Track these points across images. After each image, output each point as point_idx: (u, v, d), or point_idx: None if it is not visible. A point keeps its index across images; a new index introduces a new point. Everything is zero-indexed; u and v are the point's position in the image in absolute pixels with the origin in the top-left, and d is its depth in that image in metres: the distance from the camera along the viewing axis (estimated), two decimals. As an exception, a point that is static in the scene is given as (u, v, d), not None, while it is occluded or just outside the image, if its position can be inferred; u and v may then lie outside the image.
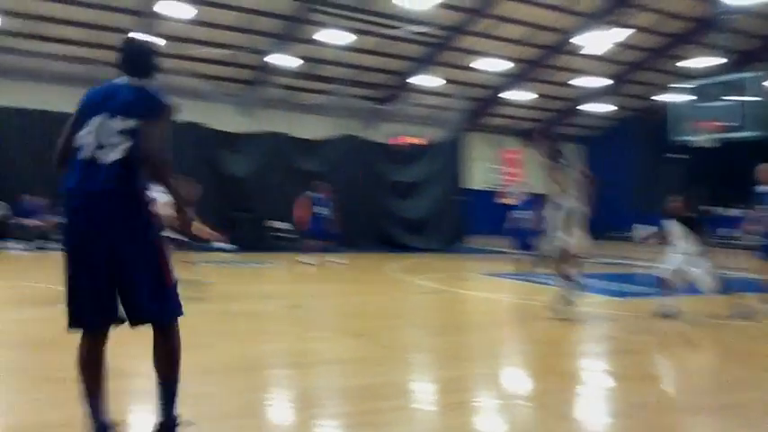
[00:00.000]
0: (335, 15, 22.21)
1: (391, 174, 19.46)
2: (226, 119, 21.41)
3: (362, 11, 22.77)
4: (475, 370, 5.48)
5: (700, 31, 26.52)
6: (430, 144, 21.20)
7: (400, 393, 4.60)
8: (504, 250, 15.68)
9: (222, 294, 9.09)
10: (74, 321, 3.08)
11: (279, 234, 16.99)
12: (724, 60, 22.59)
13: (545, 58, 28.99)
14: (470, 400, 4.56)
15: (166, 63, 17.37)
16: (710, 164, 26.28)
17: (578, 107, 33.65)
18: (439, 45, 27.16)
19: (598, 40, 24.84)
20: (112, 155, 3.02)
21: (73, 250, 3.06)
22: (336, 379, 4.99)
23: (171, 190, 3.17)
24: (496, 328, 7.74)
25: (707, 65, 24.45)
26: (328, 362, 5.50)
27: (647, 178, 29.86)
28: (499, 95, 31.34)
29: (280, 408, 4.36)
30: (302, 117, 23.72)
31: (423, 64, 28.04)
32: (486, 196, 27.85)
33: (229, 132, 18.60)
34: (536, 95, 31.81)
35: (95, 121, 3.09)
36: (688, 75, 24.92)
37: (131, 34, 3.44)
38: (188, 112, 18.59)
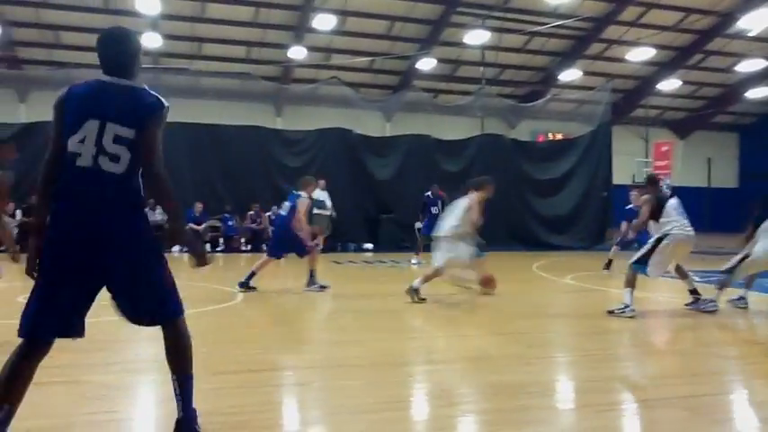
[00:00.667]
0: (479, 16, 22.27)
1: (534, 172, 19.25)
2: (371, 124, 22.15)
3: (504, 9, 22.65)
4: (622, 371, 5.40)
5: None
6: (574, 140, 20.70)
7: (543, 392, 4.61)
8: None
9: (366, 293, 9.47)
10: (31, 329, 2.94)
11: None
12: None
13: (699, 44, 27.29)
14: (616, 401, 4.52)
15: (316, 74, 18.45)
16: None
17: (735, 93, 31.31)
18: (583, 38, 26.40)
19: (758, 20, 22.98)
20: (113, 164, 2.95)
21: (61, 259, 2.96)
22: (479, 376, 5.08)
23: (166, 200, 3.13)
24: (646, 329, 7.51)
25: None
26: (471, 359, 5.63)
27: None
28: (648, 86, 29.90)
29: (420, 402, 4.54)
30: (444, 119, 24.04)
31: (567, 58, 27.39)
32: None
33: (374, 137, 19.25)
34: (688, 83, 30.02)
35: (90, 126, 2.97)
36: None
37: (111, 27, 3.26)
38: (334, 118, 19.69)
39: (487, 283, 9.09)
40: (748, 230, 8.04)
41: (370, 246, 17.65)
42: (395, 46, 24.87)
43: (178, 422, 3.16)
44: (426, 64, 24.76)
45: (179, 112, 22.14)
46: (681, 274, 8.19)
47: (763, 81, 29.39)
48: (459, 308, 8.57)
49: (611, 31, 25.89)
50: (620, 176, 22.29)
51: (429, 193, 14.51)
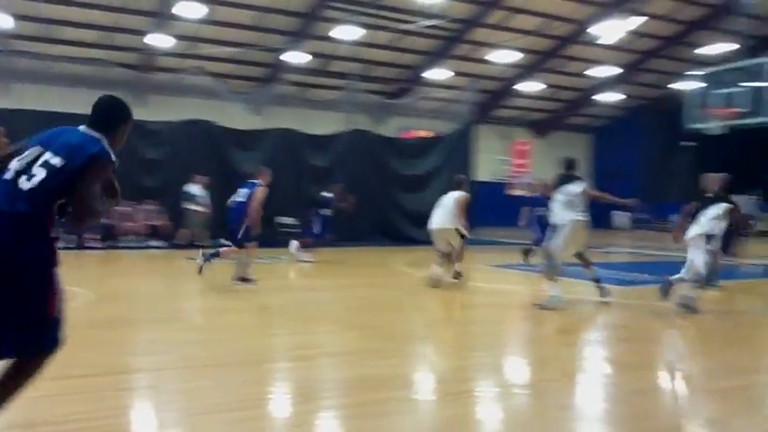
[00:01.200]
0: (349, 11, 22.30)
1: (401, 168, 19.53)
2: (237, 117, 21.60)
3: (376, 6, 22.83)
4: (476, 360, 5.55)
5: (716, 16, 26.29)
6: (439, 137, 21.22)
7: (402, 384, 4.67)
8: (512, 241, 15.67)
9: (229, 290, 9.22)
10: None
11: (288, 230, 17.11)
12: (738, 46, 22.37)
13: (558, 49, 28.88)
14: (471, 389, 4.63)
15: (180, 62, 17.69)
16: (723, 151, 26.08)
17: (589, 97, 33.51)
18: (451, 38, 27.16)
19: (612, 30, 24.64)
20: (30, 183, 2.99)
21: None
22: (338, 371, 5.08)
23: (80, 220, 3.11)
24: (501, 319, 7.80)
25: (723, 51, 24.25)
26: (331, 354, 5.60)
27: (657, 167, 29.65)
28: (510, 87, 31.28)
29: (280, 400, 4.46)
30: (313, 114, 23.87)
31: (435, 57, 28.05)
32: (496, 188, 27.84)
33: (240, 130, 18.75)
34: (547, 86, 31.72)
35: (31, 152, 3.11)
36: (704, 62, 24.71)
37: (106, 94, 3.49)
38: (199, 110, 19.01)
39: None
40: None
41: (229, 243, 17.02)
42: (265, 38, 24.40)
43: None
44: (297, 57, 24.47)
45: (29, 97, 20.63)
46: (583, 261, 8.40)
47: (613, 86, 31.60)
48: (320, 304, 8.51)
49: (478, 34, 26.80)
50: (482, 173, 23.18)
51: (329, 193, 14.19)
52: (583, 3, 25.19)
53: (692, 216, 7.97)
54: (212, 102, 21.39)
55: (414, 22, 23.69)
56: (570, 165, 8.55)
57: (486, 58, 27.21)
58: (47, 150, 3.08)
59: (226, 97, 21.75)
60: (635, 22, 25.05)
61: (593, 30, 24.55)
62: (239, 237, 9.35)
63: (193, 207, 15.62)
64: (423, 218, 19.08)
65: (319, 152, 18.75)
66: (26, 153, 3.10)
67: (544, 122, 36.75)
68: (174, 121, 17.63)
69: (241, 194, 9.72)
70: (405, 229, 19.11)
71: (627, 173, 30.96)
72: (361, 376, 4.81)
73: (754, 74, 14.92)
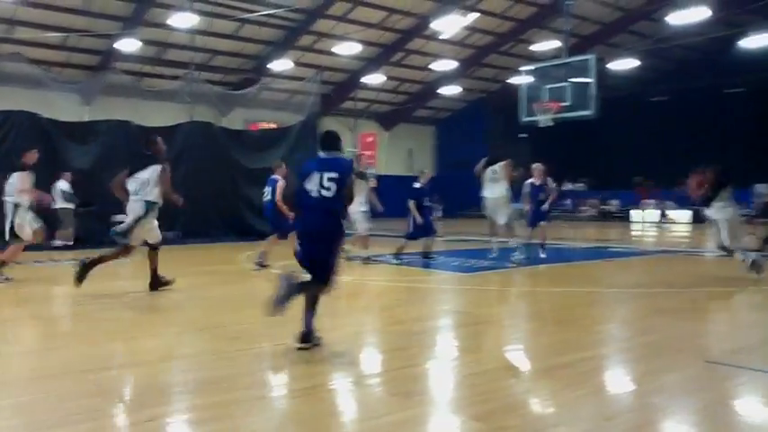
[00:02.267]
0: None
1: (247, 161, 18.96)
2: (65, 108, 20.01)
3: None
4: (326, 354, 5.41)
5: (544, 15, 28.00)
6: (285, 129, 20.88)
7: (251, 383, 4.48)
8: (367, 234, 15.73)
9: (60, 294, 8.47)
10: None
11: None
12: (561, 44, 23.92)
13: (401, 43, 29.47)
14: (321, 384, 4.49)
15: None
16: (555, 142, 27.92)
17: (432, 90, 34.59)
18: (295, 29, 26.88)
19: (451, 25, 25.46)
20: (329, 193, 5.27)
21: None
22: (185, 373, 4.78)
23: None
24: (349, 313, 7.74)
25: (552, 47, 25.87)
26: (169, 358, 5.24)
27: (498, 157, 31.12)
28: (356, 79, 31.55)
29: (111, 410, 4.06)
30: (149, 105, 22.59)
31: (278, 48, 27.66)
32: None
33: (70, 122, 17.36)
34: (391, 79, 32.33)
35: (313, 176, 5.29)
36: (536, 58, 26.25)
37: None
38: (21, 100, 17.36)
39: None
40: None
41: (59, 243, 15.69)
42: (95, 23, 22.81)
43: None
44: (130, 45, 23.03)
45: None
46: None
47: (454, 80, 32.81)
48: (159, 306, 7.99)
49: (322, 25, 26.74)
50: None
51: None
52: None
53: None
54: (36, 91, 19.56)
55: (255, 12, 23.14)
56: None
57: (331, 49, 27.20)
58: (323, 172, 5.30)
59: (52, 86, 20.01)
60: (471, 18, 26.06)
61: (434, 24, 25.25)
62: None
63: (67, 205, 15.35)
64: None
65: (158, 145, 17.77)
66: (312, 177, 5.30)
67: (390, 115, 37.48)
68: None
69: (267, 192, 11.25)
70: (254, 223, 18.63)
71: (470, 163, 32.41)
72: (208, 378, 4.54)
73: (577, 70, 15.97)
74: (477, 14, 26.59)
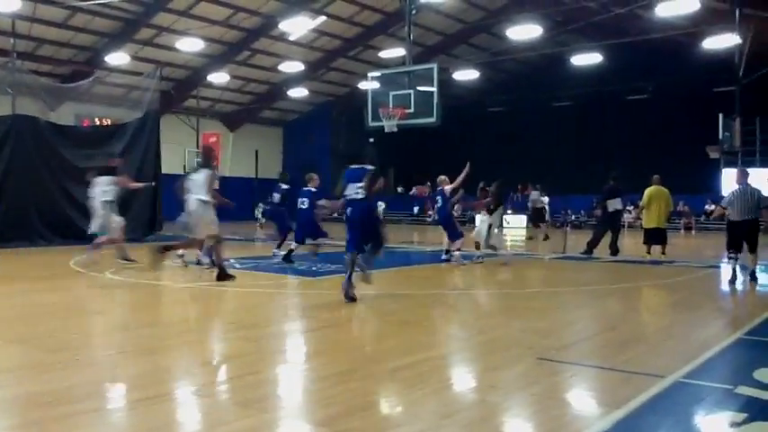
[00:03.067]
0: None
1: (78, 159, 17.55)
2: None
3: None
4: (165, 362, 5.11)
5: (391, 23, 28.64)
6: (120, 125, 19.65)
7: (77, 397, 4.08)
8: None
9: None
10: None
11: None
12: (404, 52, 24.60)
13: (246, 42, 28.89)
14: (159, 394, 4.19)
15: None
16: (398, 147, 28.64)
17: (280, 91, 34.27)
18: (134, 21, 25.51)
19: (299, 26, 25.29)
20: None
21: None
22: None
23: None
24: (183, 319, 7.40)
25: (398, 55, 26.40)
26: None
27: (344, 160, 31.45)
28: (199, 77, 30.54)
29: None
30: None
31: (115, 40, 26.13)
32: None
33: None
34: (236, 78, 31.64)
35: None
36: (384, 64, 26.79)
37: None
38: None
39: None
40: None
41: None
42: None
43: None
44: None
45: None
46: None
47: (301, 82, 32.68)
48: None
49: (162, 18, 25.57)
50: (170, 166, 22.11)
51: None
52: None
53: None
54: None
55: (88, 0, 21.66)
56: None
57: (173, 45, 26.06)
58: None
59: None
60: (319, 21, 26.11)
61: (282, 25, 24.96)
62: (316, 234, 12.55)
63: None
64: (102, 213, 17.63)
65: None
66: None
67: (235, 115, 36.64)
68: None
69: (303, 203, 12.55)
70: (83, 226, 17.33)
71: (316, 165, 32.46)
72: (29, 393, 4.08)
73: (421, 78, 16.42)
74: (325, 18, 26.69)
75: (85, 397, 4.13)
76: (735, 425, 3.62)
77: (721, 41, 21.61)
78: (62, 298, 8.61)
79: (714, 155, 23.29)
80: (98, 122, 25.73)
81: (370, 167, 7.93)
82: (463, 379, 4.89)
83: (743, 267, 10.23)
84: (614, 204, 15.00)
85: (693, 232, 27.88)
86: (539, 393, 4.26)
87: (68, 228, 16.92)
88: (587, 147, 32.32)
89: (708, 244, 20.50)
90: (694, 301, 8.56)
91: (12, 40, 18.51)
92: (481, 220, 13.47)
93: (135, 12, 24.96)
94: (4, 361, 5.11)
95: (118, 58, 25.67)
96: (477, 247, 13.12)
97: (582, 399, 4.38)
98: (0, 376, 4.65)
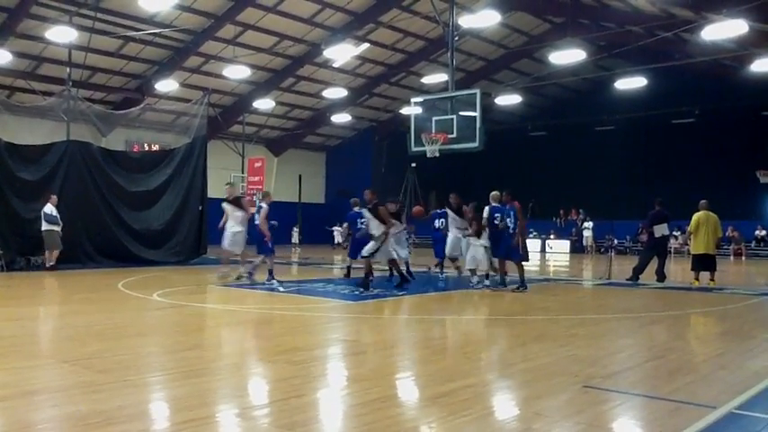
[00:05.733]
0: (65, 12, 20.32)
1: (127, 183, 18.08)
2: None
3: (96, 8, 21.11)
4: (210, 385, 5.17)
5: (433, 50, 28.89)
6: (170, 151, 20.14)
7: (125, 418, 4.15)
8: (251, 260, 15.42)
9: None
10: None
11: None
12: (447, 78, 24.73)
13: (291, 69, 29.40)
14: (204, 417, 4.25)
15: None
16: (441, 172, 28.68)
17: (323, 117, 34.69)
18: (181, 49, 26.23)
19: (342, 53, 25.68)
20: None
21: None
22: (38, 412, 4.37)
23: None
24: (229, 341, 7.48)
25: (440, 80, 26.57)
26: (30, 393, 4.81)
27: (386, 184, 31.57)
28: (245, 103, 31.13)
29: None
30: (22, 121, 21.16)
31: (164, 68, 26.88)
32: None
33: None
34: (281, 104, 32.14)
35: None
36: (426, 90, 26.97)
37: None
38: None
39: None
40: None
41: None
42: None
43: None
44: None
45: None
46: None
47: (345, 108, 33.07)
48: (25, 335, 7.40)
49: (210, 47, 26.23)
50: (215, 191, 22.50)
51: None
52: (313, 25, 25.98)
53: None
54: None
55: (139, 30, 22.38)
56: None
57: (220, 72, 26.69)
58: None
59: None
60: (362, 48, 26.46)
61: (326, 53, 25.37)
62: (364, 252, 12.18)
63: (50, 227, 15.57)
64: (150, 236, 18.10)
65: (29, 165, 16.64)
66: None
67: (280, 140, 37.18)
68: None
69: (365, 223, 12.72)
70: (132, 248, 17.76)
71: (356, 190, 32.80)
72: (81, 413, 4.17)
73: (463, 103, 16.49)
74: (368, 45, 27.04)
75: (134, 418, 4.20)
76: (790, 459, 3.50)
77: (770, 64, 21.20)
78: (111, 319, 8.80)
79: (765, 179, 22.74)
80: (147, 148, 26.42)
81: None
82: (507, 406, 4.84)
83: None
84: (661, 230, 14.72)
85: (744, 258, 27.11)
86: (585, 422, 4.19)
87: (117, 250, 17.39)
88: (631, 171, 31.89)
89: (759, 271, 19.93)
90: (745, 330, 8.32)
91: (68, 69, 19.18)
92: (474, 246, 12.83)
93: (184, 40, 25.67)
94: (57, 380, 5.25)
95: (167, 85, 26.39)
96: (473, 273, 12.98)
97: (629, 428, 4.29)
98: (53, 395, 4.78)
